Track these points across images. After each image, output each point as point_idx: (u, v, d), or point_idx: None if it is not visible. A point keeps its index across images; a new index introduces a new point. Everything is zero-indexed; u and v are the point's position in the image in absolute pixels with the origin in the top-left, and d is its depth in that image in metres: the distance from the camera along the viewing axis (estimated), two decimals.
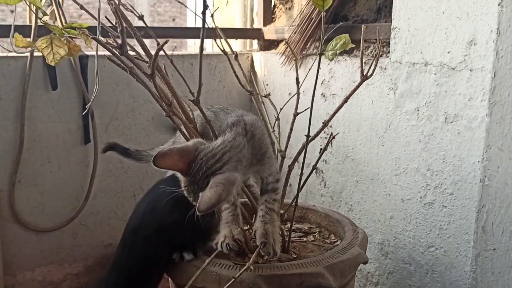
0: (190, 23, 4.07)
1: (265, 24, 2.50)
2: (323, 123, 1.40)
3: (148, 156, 1.68)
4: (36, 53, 1.99)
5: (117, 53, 1.11)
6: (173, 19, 11.93)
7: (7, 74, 1.97)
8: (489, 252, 1.18)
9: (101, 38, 1.16)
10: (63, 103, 2.09)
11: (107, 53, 1.22)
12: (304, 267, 1.19)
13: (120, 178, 2.25)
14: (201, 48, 1.17)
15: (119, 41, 1.09)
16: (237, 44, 2.73)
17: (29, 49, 1.33)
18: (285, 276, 1.16)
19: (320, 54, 1.33)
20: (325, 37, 1.37)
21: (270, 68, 2.33)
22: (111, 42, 1.09)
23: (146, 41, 1.34)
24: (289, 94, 2.19)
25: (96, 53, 1.48)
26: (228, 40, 1.58)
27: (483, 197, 1.20)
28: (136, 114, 2.24)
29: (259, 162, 1.20)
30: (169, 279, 1.37)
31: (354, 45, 1.32)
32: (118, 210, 2.27)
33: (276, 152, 1.45)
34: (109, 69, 2.14)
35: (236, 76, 1.37)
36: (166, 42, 1.04)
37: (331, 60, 1.31)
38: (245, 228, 1.33)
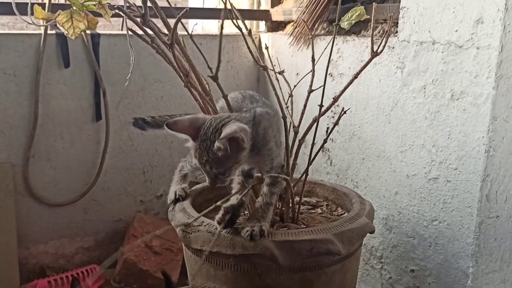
0: (191, 4, 4.09)
1: (272, 6, 2.54)
2: (333, 98, 1.45)
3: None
4: (49, 31, 2.03)
5: (139, 22, 1.15)
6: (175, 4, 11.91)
7: (21, 51, 2.01)
8: (492, 219, 1.23)
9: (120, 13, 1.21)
10: (76, 80, 2.13)
11: (119, 32, 1.27)
12: (315, 234, 1.24)
13: (131, 156, 2.30)
14: (222, 27, 1.22)
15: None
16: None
17: (48, 22, 1.36)
18: (297, 242, 1.21)
19: (336, 25, 1.37)
20: (335, 16, 1.41)
21: (278, 49, 2.37)
22: (134, 10, 1.13)
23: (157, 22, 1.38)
24: (297, 74, 2.23)
25: (122, 24, 1.51)
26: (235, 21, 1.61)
27: (488, 166, 1.25)
28: (145, 93, 2.29)
29: (259, 152, 1.23)
30: (184, 247, 1.43)
31: (368, 16, 1.36)
32: (128, 186, 2.32)
33: (289, 128, 1.48)
34: (120, 48, 2.19)
35: (250, 51, 1.41)
36: (186, 10, 1.08)
37: (347, 29, 1.36)
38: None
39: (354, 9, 1.35)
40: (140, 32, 1.21)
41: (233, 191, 1.32)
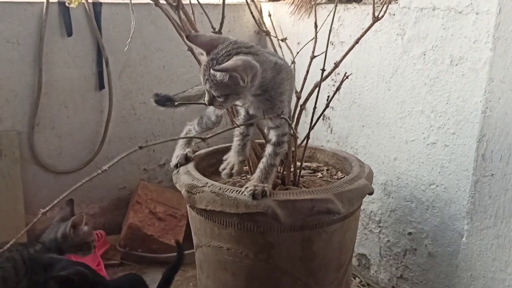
0: None
1: None
2: (334, 63, 1.47)
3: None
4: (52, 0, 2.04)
5: None
6: None
7: (24, 19, 2.02)
8: (487, 177, 1.27)
9: None
10: (78, 49, 2.15)
11: (120, 1, 1.26)
12: (315, 193, 1.28)
13: (133, 125, 2.33)
14: None
15: None
16: None
17: None
18: (298, 201, 1.25)
19: None
20: None
21: (279, 18, 2.37)
22: None
23: None
24: (298, 43, 2.24)
25: None
26: None
27: (484, 127, 1.28)
28: (147, 62, 2.30)
29: (271, 99, 1.24)
30: (188, 208, 1.47)
31: None
32: (132, 155, 2.33)
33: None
34: (122, 17, 2.19)
35: (254, 16, 1.44)
36: None
37: None
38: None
39: None
40: None
41: (234, 139, 1.37)
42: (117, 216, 2.36)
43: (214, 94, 1.16)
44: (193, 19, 1.35)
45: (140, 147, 1.17)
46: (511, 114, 1.20)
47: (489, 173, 1.26)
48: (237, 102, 1.28)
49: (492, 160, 1.26)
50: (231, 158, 1.39)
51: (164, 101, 1.52)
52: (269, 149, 1.30)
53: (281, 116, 1.25)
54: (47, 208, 1.24)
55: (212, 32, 1.30)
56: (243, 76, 1.10)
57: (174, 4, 1.19)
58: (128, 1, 1.92)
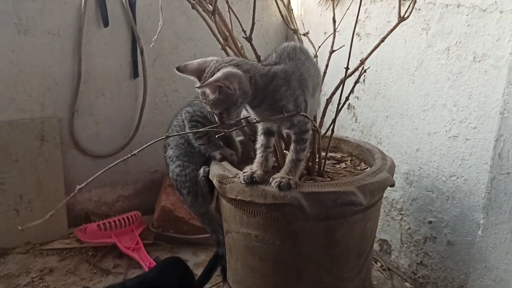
0: None
1: None
2: (360, 60, 1.53)
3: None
4: None
5: None
6: None
7: (64, 12, 2.13)
8: (503, 175, 1.33)
9: None
10: (114, 39, 2.25)
11: None
12: (339, 186, 1.36)
13: (166, 111, 2.44)
14: None
15: None
16: None
17: None
18: (322, 194, 1.34)
19: None
20: None
21: (307, 8, 2.42)
22: None
23: None
24: (325, 33, 2.29)
25: None
26: None
27: (501, 127, 1.33)
28: (179, 51, 2.39)
29: (271, 108, 1.27)
30: (219, 196, 1.57)
31: None
32: (164, 140, 2.47)
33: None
34: (156, 8, 2.28)
35: (281, 13, 1.49)
36: None
37: None
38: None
39: None
40: None
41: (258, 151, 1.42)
42: (150, 198, 2.49)
43: (216, 112, 1.25)
44: (229, 22, 1.42)
45: (167, 136, 1.27)
46: None
47: (505, 171, 1.32)
48: (243, 112, 1.34)
49: (508, 159, 1.31)
50: (254, 169, 1.41)
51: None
52: (292, 146, 1.37)
53: (297, 113, 1.26)
54: (83, 184, 1.37)
55: (243, 37, 1.37)
56: (228, 85, 1.18)
57: (211, 10, 1.26)
58: None
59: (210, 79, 1.18)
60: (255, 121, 1.33)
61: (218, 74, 1.18)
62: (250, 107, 1.31)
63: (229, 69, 1.21)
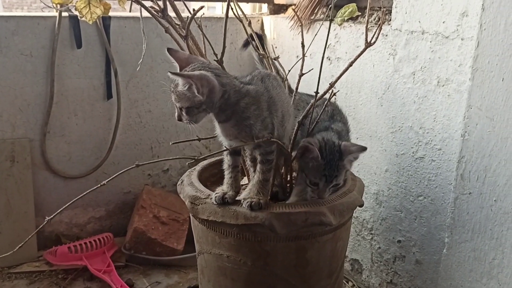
0: None
1: None
2: (329, 84, 1.58)
3: None
4: (63, 13, 2.14)
5: (159, 16, 1.28)
6: None
7: (37, 32, 2.13)
8: (465, 195, 1.38)
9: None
10: (88, 60, 2.26)
11: (129, 15, 1.36)
12: (309, 206, 1.39)
13: (139, 132, 2.44)
14: (227, 15, 1.35)
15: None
16: (247, 7, 2.87)
17: (65, 5, 1.49)
18: (293, 214, 1.36)
19: (331, 20, 1.49)
20: (333, 5, 1.53)
21: (279, 32, 2.48)
22: (154, 6, 1.26)
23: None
24: (297, 56, 2.35)
25: (141, 14, 1.66)
26: (239, 3, 1.73)
27: (463, 149, 1.39)
28: (154, 73, 2.41)
29: (237, 124, 1.31)
30: (191, 217, 1.58)
31: (360, 13, 1.48)
32: (137, 161, 2.46)
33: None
34: (130, 30, 2.30)
35: (250, 42, 1.54)
36: (201, 8, 1.21)
37: (339, 25, 1.47)
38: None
39: (347, 6, 1.48)
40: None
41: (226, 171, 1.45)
42: (123, 219, 2.47)
43: (177, 105, 1.28)
44: (202, 45, 1.46)
45: (137, 165, 1.30)
46: (487, 138, 1.31)
47: (467, 192, 1.37)
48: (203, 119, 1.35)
49: (470, 180, 1.37)
50: (225, 190, 1.43)
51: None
52: (258, 167, 1.40)
53: (268, 140, 1.31)
54: (52, 216, 1.37)
55: (214, 60, 1.41)
56: (198, 86, 1.22)
57: (183, 34, 1.30)
58: (137, 15, 2.05)
59: (186, 73, 1.24)
60: (225, 148, 1.37)
61: (196, 73, 1.23)
62: (217, 121, 1.34)
63: (208, 74, 1.25)
